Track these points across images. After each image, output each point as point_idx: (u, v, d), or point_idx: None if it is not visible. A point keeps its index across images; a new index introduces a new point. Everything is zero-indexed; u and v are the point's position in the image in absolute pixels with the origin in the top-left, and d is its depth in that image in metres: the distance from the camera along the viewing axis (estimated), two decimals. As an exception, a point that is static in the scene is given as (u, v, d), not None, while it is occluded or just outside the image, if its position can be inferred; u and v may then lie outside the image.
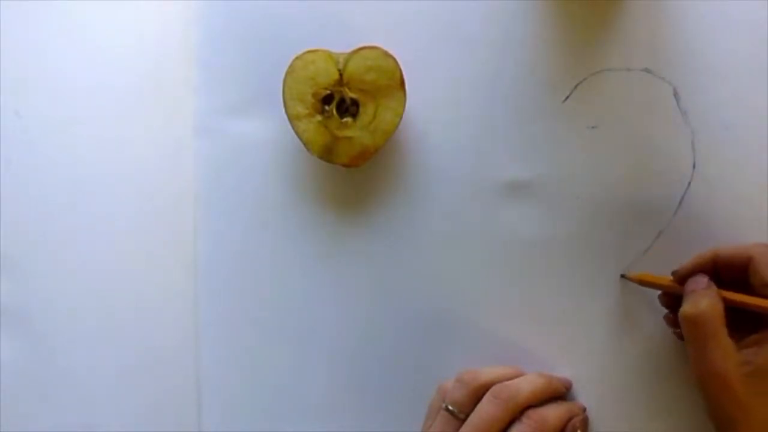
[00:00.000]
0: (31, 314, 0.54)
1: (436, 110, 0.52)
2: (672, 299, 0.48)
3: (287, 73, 0.51)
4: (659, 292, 0.49)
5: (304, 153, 0.52)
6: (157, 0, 0.55)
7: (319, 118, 0.51)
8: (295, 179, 0.53)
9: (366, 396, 0.52)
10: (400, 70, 0.50)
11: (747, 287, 0.45)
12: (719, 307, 0.44)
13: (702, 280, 0.46)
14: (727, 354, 0.43)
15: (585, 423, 0.49)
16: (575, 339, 0.51)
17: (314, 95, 0.51)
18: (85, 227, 0.54)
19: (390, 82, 0.50)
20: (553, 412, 0.47)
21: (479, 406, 0.46)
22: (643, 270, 0.49)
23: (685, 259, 0.47)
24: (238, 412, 0.53)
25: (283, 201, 0.53)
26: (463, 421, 0.46)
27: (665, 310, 0.49)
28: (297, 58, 0.51)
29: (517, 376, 0.48)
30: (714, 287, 0.45)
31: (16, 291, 0.54)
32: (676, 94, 0.50)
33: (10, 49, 0.55)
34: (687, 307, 0.45)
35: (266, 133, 0.54)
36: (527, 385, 0.47)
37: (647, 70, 0.50)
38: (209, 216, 0.54)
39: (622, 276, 0.50)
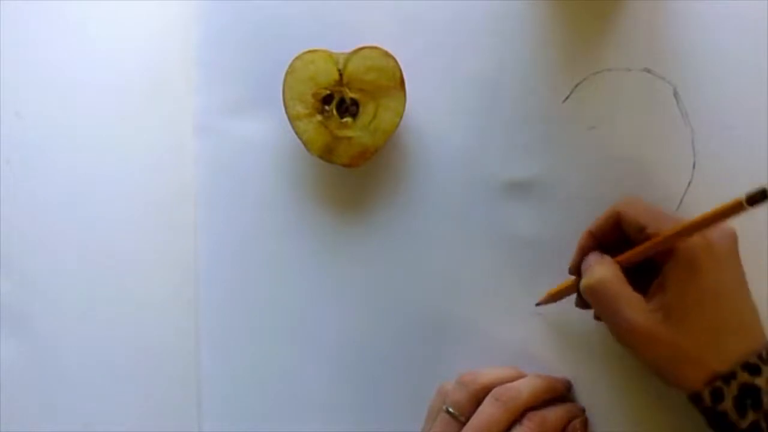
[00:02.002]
0: (31, 314, 0.54)
1: (436, 110, 0.52)
2: (584, 301, 0.48)
3: (287, 73, 0.51)
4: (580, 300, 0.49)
5: (304, 153, 0.52)
6: (158, 0, 0.55)
7: (319, 118, 0.51)
8: (295, 179, 0.53)
9: (366, 397, 0.52)
10: (400, 70, 0.50)
11: (630, 243, 0.46)
12: (615, 269, 0.45)
13: (593, 257, 0.47)
14: (638, 308, 0.44)
15: (585, 424, 0.49)
16: (576, 339, 0.50)
17: (314, 95, 0.51)
18: (85, 227, 0.54)
19: (390, 82, 0.50)
20: (554, 414, 0.47)
21: (480, 408, 0.46)
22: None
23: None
24: (238, 412, 0.53)
25: (283, 201, 0.53)
26: (464, 423, 0.46)
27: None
28: (297, 58, 0.51)
29: (517, 378, 0.48)
30: (606, 256, 0.46)
31: (16, 291, 0.54)
32: (676, 94, 0.50)
33: (10, 49, 0.55)
34: (584, 280, 0.46)
35: (266, 133, 0.54)
36: (528, 386, 0.47)
37: (647, 70, 0.50)
38: (209, 216, 0.54)
39: (537, 305, 0.51)
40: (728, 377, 0.43)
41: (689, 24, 0.50)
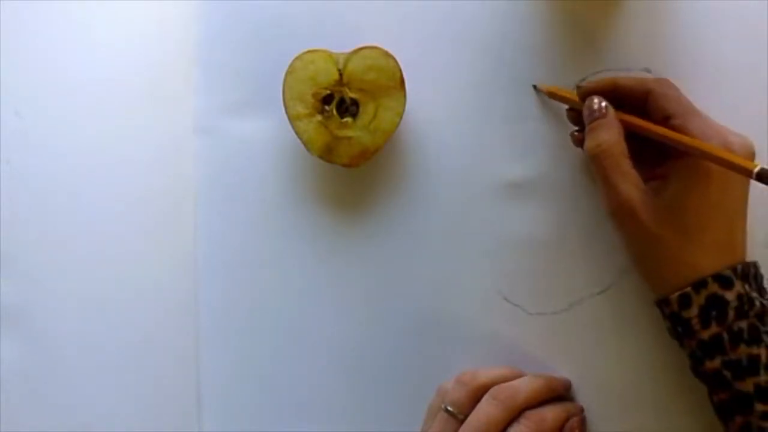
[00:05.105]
0: (31, 314, 0.54)
1: (436, 110, 0.52)
2: (577, 115, 0.49)
3: (287, 73, 0.51)
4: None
5: (304, 153, 0.52)
6: (157, 0, 0.55)
7: (319, 118, 0.51)
8: (295, 179, 0.54)
9: (366, 396, 0.52)
10: (400, 70, 0.50)
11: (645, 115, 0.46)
12: (619, 139, 0.45)
13: (599, 103, 0.46)
14: (632, 184, 0.45)
15: (582, 423, 0.49)
16: (575, 339, 0.50)
17: (314, 95, 0.51)
18: (85, 227, 0.54)
19: (390, 82, 0.50)
20: (551, 413, 0.47)
21: (478, 407, 0.46)
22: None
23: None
24: (238, 412, 0.53)
25: (283, 201, 0.53)
26: (462, 421, 0.46)
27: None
28: (297, 58, 0.51)
29: (516, 377, 0.48)
30: (611, 111, 0.46)
31: (16, 291, 0.54)
32: (676, 94, 0.50)
33: (10, 49, 0.55)
34: (588, 142, 0.46)
35: (266, 133, 0.54)
36: (526, 386, 0.47)
37: (647, 70, 0.50)
38: (209, 216, 0.54)
39: (534, 87, 0.51)
40: (698, 285, 0.43)
41: (689, 24, 0.50)
